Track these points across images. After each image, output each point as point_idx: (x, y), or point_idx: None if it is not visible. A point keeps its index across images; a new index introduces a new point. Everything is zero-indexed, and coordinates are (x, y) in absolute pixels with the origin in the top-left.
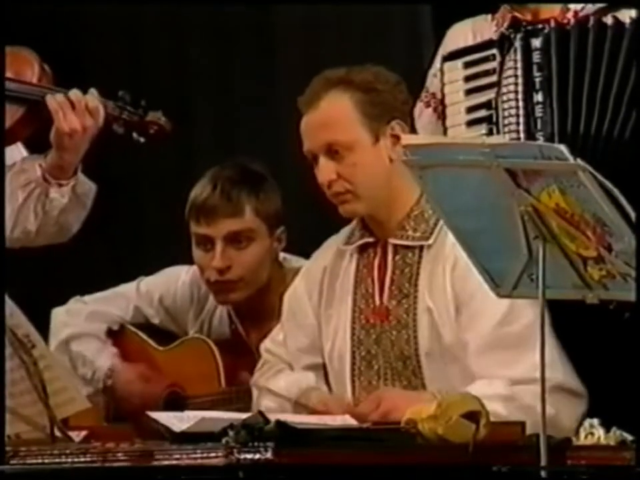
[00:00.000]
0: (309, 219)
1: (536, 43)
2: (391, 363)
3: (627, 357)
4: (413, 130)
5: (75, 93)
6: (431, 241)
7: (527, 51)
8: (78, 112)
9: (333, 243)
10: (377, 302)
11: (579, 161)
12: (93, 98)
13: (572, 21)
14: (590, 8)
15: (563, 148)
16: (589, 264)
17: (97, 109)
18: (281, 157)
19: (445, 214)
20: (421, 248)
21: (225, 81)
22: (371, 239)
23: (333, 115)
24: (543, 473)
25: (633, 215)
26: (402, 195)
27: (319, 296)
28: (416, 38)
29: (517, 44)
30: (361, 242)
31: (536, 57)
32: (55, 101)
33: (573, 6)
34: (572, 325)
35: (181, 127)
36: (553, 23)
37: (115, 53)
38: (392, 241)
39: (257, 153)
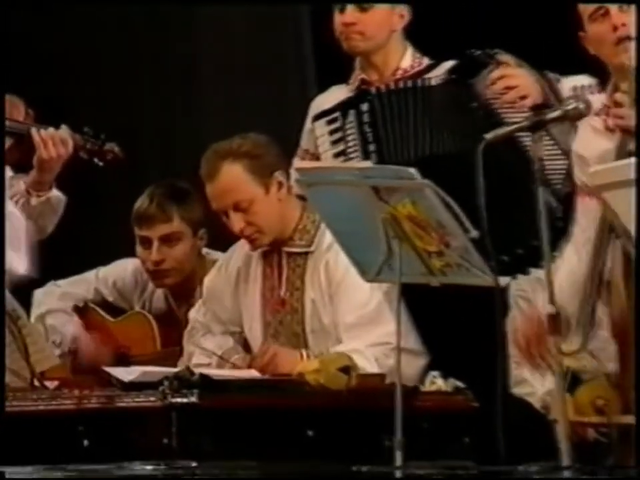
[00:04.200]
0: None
1: (363, 106)
2: (289, 338)
3: (465, 327)
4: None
5: (51, 129)
6: (312, 248)
7: (358, 113)
8: (54, 143)
9: (242, 247)
10: (277, 294)
11: (425, 180)
12: (64, 132)
13: (392, 84)
14: (417, 67)
15: (413, 171)
16: (432, 257)
17: (68, 141)
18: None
19: (327, 220)
20: (306, 253)
21: (164, 119)
22: (268, 248)
23: (231, 182)
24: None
25: (465, 220)
26: (288, 216)
27: (236, 288)
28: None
29: (351, 110)
30: (261, 250)
31: (365, 117)
32: (37, 134)
33: (403, 64)
34: (425, 304)
35: (130, 154)
36: (374, 90)
37: (82, 98)
38: (285, 249)
39: (185, 173)
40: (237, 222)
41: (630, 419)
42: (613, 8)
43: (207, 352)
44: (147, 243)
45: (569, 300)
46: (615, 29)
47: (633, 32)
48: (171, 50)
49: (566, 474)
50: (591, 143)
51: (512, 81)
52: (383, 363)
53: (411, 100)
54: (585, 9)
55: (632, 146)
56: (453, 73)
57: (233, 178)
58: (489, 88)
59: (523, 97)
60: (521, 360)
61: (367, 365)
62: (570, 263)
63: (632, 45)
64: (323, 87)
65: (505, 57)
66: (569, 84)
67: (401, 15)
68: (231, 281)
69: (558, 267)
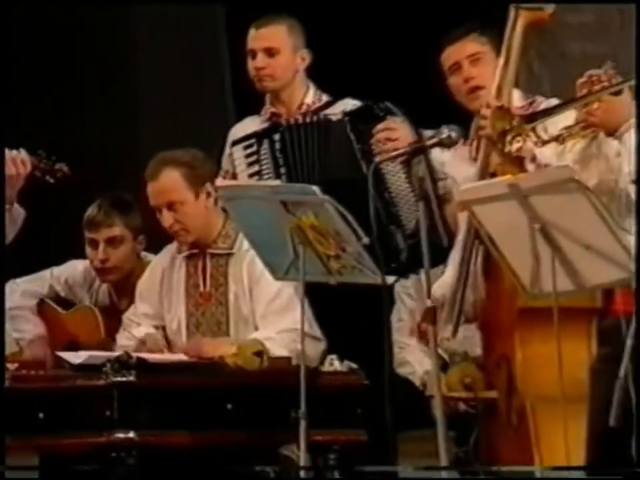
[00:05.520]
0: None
1: (276, 136)
2: (211, 327)
3: (358, 318)
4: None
5: (11, 152)
6: (234, 250)
7: (271, 141)
8: (15, 162)
9: (169, 251)
10: (202, 289)
11: (326, 196)
12: (23, 154)
13: (300, 118)
14: (317, 104)
15: (316, 188)
16: (331, 259)
17: (26, 162)
18: (142, 191)
19: (244, 229)
20: (228, 254)
21: (108, 142)
22: (195, 250)
23: (169, 185)
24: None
25: (358, 230)
26: (212, 222)
27: (160, 286)
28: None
29: (265, 139)
30: (188, 252)
31: (277, 145)
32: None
33: (307, 100)
34: (326, 300)
35: (77, 172)
36: (285, 122)
37: (38, 126)
38: (210, 250)
39: (125, 187)
40: (167, 218)
41: (492, 394)
42: (465, 63)
43: (129, 340)
44: (94, 244)
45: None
46: (466, 81)
47: (482, 82)
48: (114, 85)
49: (444, 474)
50: (460, 168)
51: (392, 134)
52: (291, 347)
53: (315, 132)
54: (445, 63)
55: (493, 167)
56: (348, 116)
57: (170, 181)
58: (374, 136)
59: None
60: (415, 335)
61: (277, 349)
62: (454, 262)
63: (483, 93)
64: (240, 116)
65: (394, 111)
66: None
67: (303, 58)
68: (157, 280)
69: (448, 264)
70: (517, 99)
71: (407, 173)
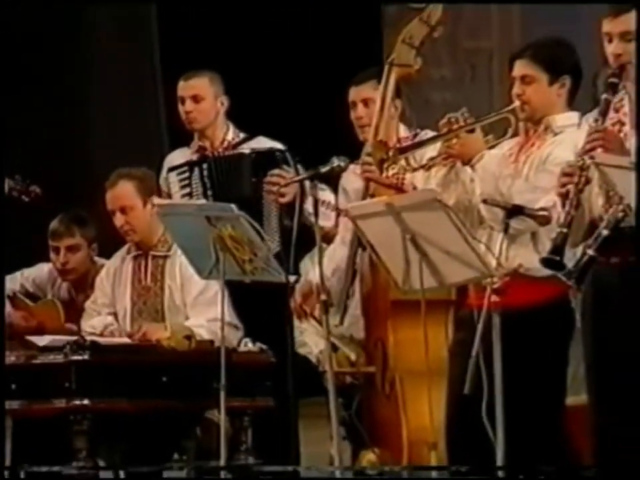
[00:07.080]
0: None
1: (204, 165)
2: (151, 314)
3: (267, 308)
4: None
5: None
6: (170, 253)
7: (200, 169)
8: None
9: (120, 253)
10: (144, 283)
11: (241, 212)
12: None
13: (222, 152)
14: (236, 139)
15: (233, 206)
16: (245, 263)
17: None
18: (101, 206)
19: (175, 238)
20: (166, 256)
21: (69, 169)
22: (140, 252)
23: (122, 193)
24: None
25: (265, 235)
26: (154, 228)
27: (113, 281)
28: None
29: (196, 167)
30: (135, 254)
31: (205, 172)
32: None
33: (227, 137)
34: (242, 294)
35: (47, 193)
36: (211, 154)
37: (13, 155)
38: (151, 252)
39: (85, 204)
40: (119, 220)
41: (371, 369)
42: (359, 104)
43: (94, 328)
44: (57, 250)
45: (336, 282)
46: (358, 118)
47: (370, 121)
48: (71, 119)
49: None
50: (351, 182)
51: (281, 181)
52: (218, 334)
53: (234, 163)
54: (349, 99)
55: (372, 190)
56: (255, 154)
57: (124, 190)
58: (268, 176)
59: (282, 195)
60: (295, 314)
61: (206, 335)
62: (336, 257)
63: (369, 129)
64: (173, 147)
65: (289, 162)
66: (324, 196)
67: (222, 103)
68: (110, 277)
69: (328, 259)
70: (402, 131)
71: (280, 209)
